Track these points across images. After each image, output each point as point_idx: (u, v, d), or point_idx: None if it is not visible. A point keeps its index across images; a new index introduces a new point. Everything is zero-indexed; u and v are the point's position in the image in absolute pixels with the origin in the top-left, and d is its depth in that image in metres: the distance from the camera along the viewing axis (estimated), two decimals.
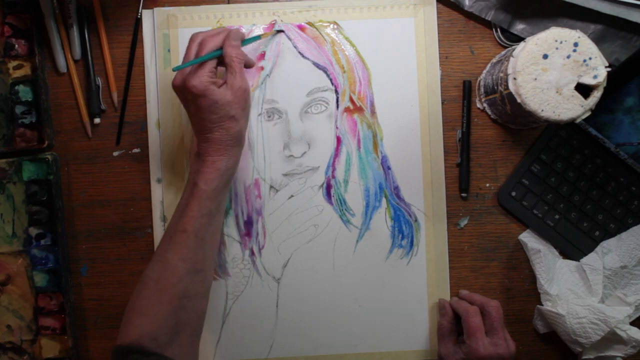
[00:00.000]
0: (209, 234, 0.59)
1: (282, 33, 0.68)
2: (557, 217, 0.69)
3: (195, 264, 0.57)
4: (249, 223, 0.69)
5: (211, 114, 0.57)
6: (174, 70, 0.57)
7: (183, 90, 0.58)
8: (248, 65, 0.63)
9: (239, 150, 0.60)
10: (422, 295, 0.69)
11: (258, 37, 0.66)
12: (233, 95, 0.57)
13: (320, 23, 0.69)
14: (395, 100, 0.69)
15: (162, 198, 0.69)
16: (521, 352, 0.70)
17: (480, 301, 0.64)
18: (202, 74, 0.57)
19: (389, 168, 0.69)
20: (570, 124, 0.65)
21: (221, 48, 0.59)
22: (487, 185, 0.70)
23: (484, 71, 0.69)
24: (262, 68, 0.68)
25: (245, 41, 0.63)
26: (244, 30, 0.68)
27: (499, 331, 0.62)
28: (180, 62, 0.68)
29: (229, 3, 0.70)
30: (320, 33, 0.69)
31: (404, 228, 0.69)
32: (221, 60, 0.59)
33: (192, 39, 0.59)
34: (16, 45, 0.67)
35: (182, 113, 0.68)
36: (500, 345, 0.61)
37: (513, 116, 0.65)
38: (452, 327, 0.66)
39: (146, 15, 0.69)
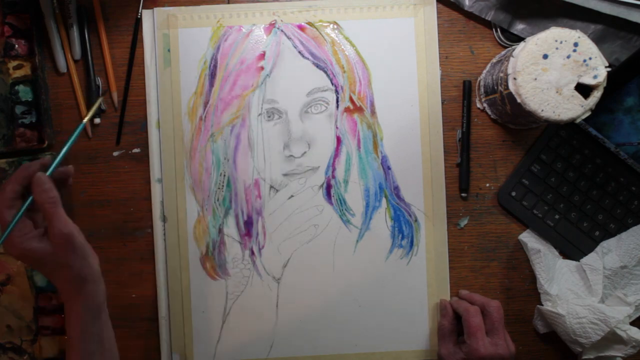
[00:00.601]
0: (100, 354, 0.54)
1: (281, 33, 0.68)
2: (557, 217, 0.69)
3: None
4: (249, 223, 0.69)
5: (42, 269, 0.54)
6: None
7: (10, 254, 0.53)
8: (67, 177, 0.57)
9: (94, 287, 0.54)
10: (422, 295, 0.69)
11: (62, 156, 0.56)
12: (53, 246, 0.52)
13: (320, 23, 0.69)
14: (395, 100, 0.69)
15: (162, 198, 0.69)
16: (521, 352, 0.70)
17: (480, 301, 0.64)
18: (12, 237, 0.52)
19: (389, 168, 0.69)
20: (570, 124, 0.65)
21: (30, 195, 0.53)
22: (487, 185, 0.70)
23: (484, 71, 0.69)
24: (262, 68, 0.68)
25: (53, 166, 0.55)
26: (246, 30, 0.68)
27: (500, 331, 0.62)
28: (179, 62, 0.68)
29: (229, 3, 0.70)
30: (320, 33, 0.69)
31: (404, 228, 0.69)
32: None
33: None
34: (16, 45, 0.67)
35: (182, 113, 0.69)
36: (501, 345, 0.61)
37: (513, 116, 0.65)
38: (452, 327, 0.66)
39: (146, 15, 0.69)
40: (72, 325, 0.54)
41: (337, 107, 0.69)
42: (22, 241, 0.52)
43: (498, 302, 0.64)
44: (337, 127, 0.69)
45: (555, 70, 0.58)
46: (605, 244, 0.68)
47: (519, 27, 0.68)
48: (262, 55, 0.68)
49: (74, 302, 0.54)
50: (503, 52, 0.67)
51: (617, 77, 0.65)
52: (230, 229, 0.69)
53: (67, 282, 0.53)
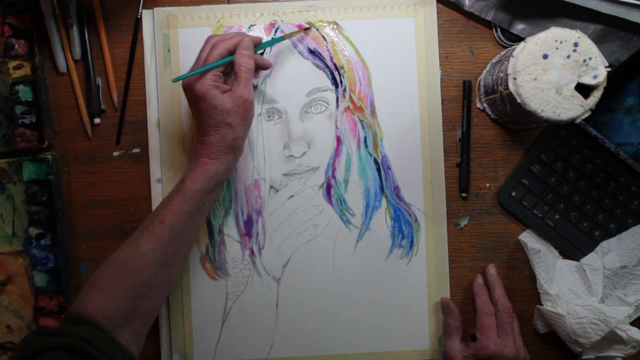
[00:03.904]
0: (185, 232, 0.59)
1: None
2: (557, 217, 0.69)
3: (165, 257, 0.58)
4: (249, 223, 0.69)
5: (208, 117, 0.57)
6: (173, 81, 0.58)
7: (187, 90, 0.59)
8: (264, 67, 0.65)
9: (232, 159, 0.60)
10: (422, 295, 0.69)
11: (281, 39, 0.66)
12: (233, 104, 0.57)
13: (320, 23, 0.69)
14: (395, 100, 0.69)
15: (162, 198, 0.69)
16: None
17: (497, 298, 0.65)
18: (206, 77, 0.57)
19: (389, 168, 0.69)
20: (570, 124, 0.65)
21: (232, 54, 0.59)
22: (487, 185, 0.70)
23: (484, 71, 0.69)
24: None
25: (264, 44, 0.64)
26: (246, 30, 0.68)
27: (509, 333, 0.63)
28: (179, 62, 0.68)
29: (229, 3, 0.70)
30: (320, 33, 0.69)
31: (404, 228, 0.69)
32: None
33: (206, 41, 0.60)
34: (16, 45, 0.67)
35: (182, 113, 0.68)
36: (509, 346, 0.62)
37: (513, 116, 0.65)
38: (458, 324, 0.66)
39: (146, 15, 0.69)
40: (195, 179, 0.58)
41: (337, 107, 0.69)
42: (210, 85, 0.57)
43: (509, 306, 0.65)
44: (337, 127, 0.69)
45: (555, 70, 0.58)
46: (605, 244, 0.68)
47: (519, 27, 0.68)
48: (262, 55, 0.68)
49: (210, 161, 0.58)
50: (503, 52, 0.67)
51: (617, 77, 0.65)
52: (230, 229, 0.69)
53: (221, 139, 0.58)
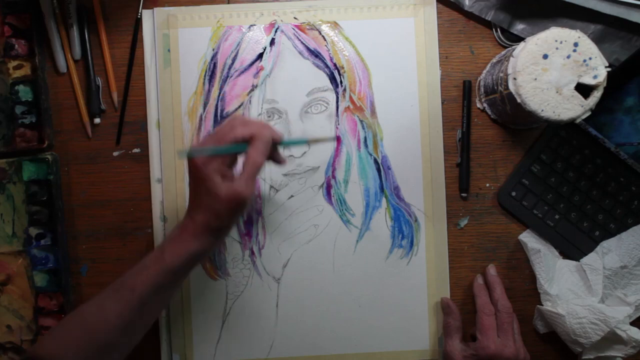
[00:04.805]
0: (155, 302, 0.57)
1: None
2: (557, 217, 0.69)
3: (129, 323, 0.56)
4: (249, 223, 0.69)
5: (201, 198, 0.55)
6: (188, 156, 0.54)
7: (191, 164, 0.55)
8: (279, 163, 0.61)
9: (214, 242, 0.56)
10: (422, 295, 0.69)
11: (304, 141, 0.63)
12: (228, 196, 0.53)
13: (320, 23, 0.69)
14: (395, 100, 0.69)
15: (162, 198, 0.69)
16: None
17: (497, 298, 0.65)
18: (212, 161, 0.54)
19: (389, 168, 0.69)
20: (570, 124, 0.65)
21: (247, 143, 0.55)
22: (487, 185, 0.70)
23: (484, 71, 0.69)
24: (262, 68, 0.68)
25: (285, 142, 0.60)
26: (246, 31, 0.68)
27: (509, 333, 0.63)
28: (179, 62, 0.68)
29: (229, 3, 0.70)
30: (320, 33, 0.69)
31: (404, 228, 0.69)
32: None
33: (230, 120, 0.57)
34: (16, 45, 0.67)
35: (182, 113, 0.68)
36: (509, 346, 0.62)
37: (513, 116, 0.65)
38: (459, 324, 0.66)
39: (146, 16, 0.69)
40: (175, 254, 0.55)
41: (337, 107, 0.69)
42: (213, 170, 0.54)
43: (509, 306, 0.65)
44: (337, 127, 0.69)
45: (555, 70, 0.58)
46: (605, 244, 0.68)
47: (519, 27, 0.68)
48: (262, 55, 0.68)
49: (193, 239, 0.55)
50: (503, 52, 0.67)
51: (617, 77, 0.65)
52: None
53: (206, 222, 0.55)
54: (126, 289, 0.56)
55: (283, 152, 0.62)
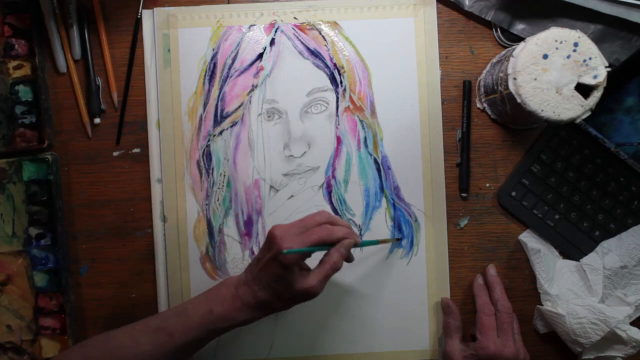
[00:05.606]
0: (187, 352, 0.58)
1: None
2: (557, 217, 0.69)
3: None
4: (249, 223, 0.69)
5: (273, 281, 0.56)
6: (283, 253, 0.54)
7: (273, 237, 0.56)
8: (348, 261, 0.63)
9: (258, 317, 0.58)
10: (422, 295, 0.69)
11: (375, 242, 0.64)
12: (299, 289, 0.55)
13: (320, 23, 0.69)
14: (395, 100, 0.69)
15: (162, 198, 0.69)
16: None
17: (497, 298, 0.65)
18: (297, 245, 0.55)
19: (389, 168, 0.69)
20: (570, 124, 0.65)
21: (331, 244, 0.57)
22: (487, 185, 0.70)
23: (484, 71, 0.69)
24: (262, 68, 0.68)
25: (362, 244, 0.61)
26: (245, 31, 0.68)
27: (509, 333, 0.63)
28: (179, 62, 0.68)
29: (229, 3, 0.70)
30: (320, 33, 0.69)
31: (404, 228, 0.69)
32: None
33: (319, 213, 0.58)
34: (16, 45, 0.67)
35: (182, 113, 0.68)
36: (509, 346, 0.62)
37: (513, 116, 0.65)
38: (459, 324, 0.66)
39: (146, 16, 0.69)
40: (224, 318, 0.57)
41: (337, 107, 0.69)
42: (296, 261, 0.55)
43: (509, 306, 0.65)
44: (337, 127, 0.69)
45: (555, 70, 0.58)
46: (605, 244, 0.68)
47: (519, 27, 0.68)
48: (262, 55, 0.68)
49: (245, 310, 0.57)
50: (503, 52, 0.67)
51: (617, 77, 0.65)
52: (230, 229, 0.69)
53: (267, 301, 0.56)
54: (164, 332, 0.56)
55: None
